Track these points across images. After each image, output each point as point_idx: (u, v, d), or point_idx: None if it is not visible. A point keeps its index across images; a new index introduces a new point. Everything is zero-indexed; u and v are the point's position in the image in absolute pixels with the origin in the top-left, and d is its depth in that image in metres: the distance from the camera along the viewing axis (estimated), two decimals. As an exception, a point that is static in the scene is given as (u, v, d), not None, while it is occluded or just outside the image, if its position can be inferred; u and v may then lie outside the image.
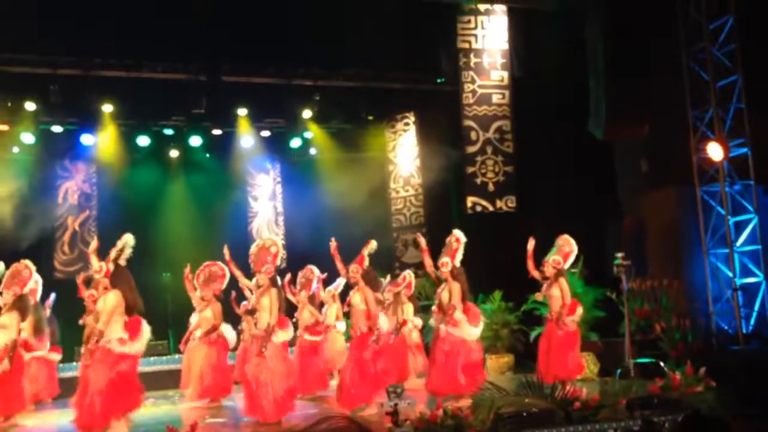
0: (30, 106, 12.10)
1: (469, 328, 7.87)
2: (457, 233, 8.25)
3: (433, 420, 5.54)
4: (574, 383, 7.36)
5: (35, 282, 8.56)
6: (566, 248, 8.69)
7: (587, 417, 5.85)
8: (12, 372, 7.70)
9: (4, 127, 12.50)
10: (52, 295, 10.09)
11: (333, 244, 7.89)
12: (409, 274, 10.46)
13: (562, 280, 8.47)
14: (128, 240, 7.06)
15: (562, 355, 8.28)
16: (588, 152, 11.59)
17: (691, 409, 5.80)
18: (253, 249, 7.60)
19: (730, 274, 10.12)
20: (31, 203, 12.47)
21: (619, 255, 9.12)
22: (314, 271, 10.12)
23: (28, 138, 12.61)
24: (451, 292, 7.89)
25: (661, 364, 8.61)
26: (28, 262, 8.07)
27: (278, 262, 7.53)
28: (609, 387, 6.81)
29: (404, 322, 9.83)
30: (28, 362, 8.30)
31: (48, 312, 9.77)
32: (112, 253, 6.89)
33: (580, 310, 8.58)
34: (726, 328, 10.10)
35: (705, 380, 6.42)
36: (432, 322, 8.34)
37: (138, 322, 6.68)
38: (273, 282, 7.36)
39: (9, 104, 12.07)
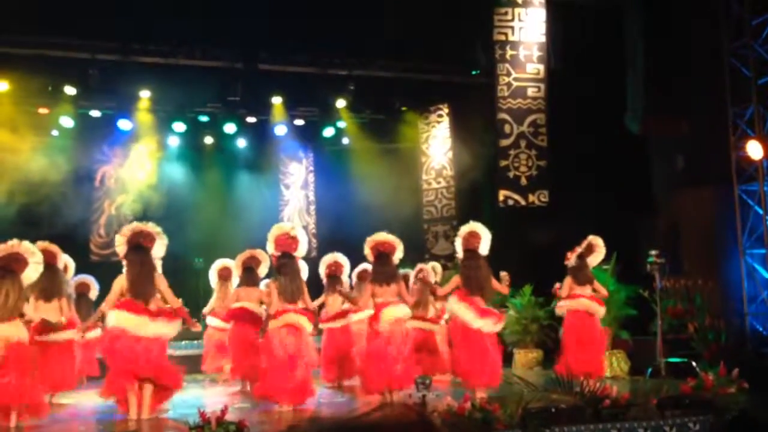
0: (69, 90, 12.31)
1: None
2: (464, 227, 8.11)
3: (461, 413, 5.53)
4: (604, 381, 7.30)
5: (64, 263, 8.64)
6: (584, 245, 8.59)
7: (617, 415, 5.80)
8: (61, 349, 7.96)
9: (44, 111, 12.75)
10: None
11: None
12: (432, 267, 10.39)
13: (567, 278, 8.47)
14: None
15: (585, 351, 8.21)
16: (623, 147, 11.44)
17: (724, 410, 5.75)
18: None
19: (767, 275, 9.95)
20: (69, 186, 12.69)
21: (653, 253, 9.02)
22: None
23: (67, 122, 12.83)
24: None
25: (693, 364, 8.51)
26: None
27: (271, 249, 7.54)
28: (640, 386, 6.74)
29: (441, 313, 9.69)
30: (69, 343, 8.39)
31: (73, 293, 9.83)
32: (132, 237, 6.92)
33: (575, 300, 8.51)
34: (761, 329, 9.94)
35: (738, 382, 6.32)
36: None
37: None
38: (277, 270, 7.43)
39: (49, 88, 12.30)
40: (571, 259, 8.53)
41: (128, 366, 6.49)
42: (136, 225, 6.99)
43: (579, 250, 8.54)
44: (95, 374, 9.74)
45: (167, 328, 6.74)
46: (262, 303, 8.81)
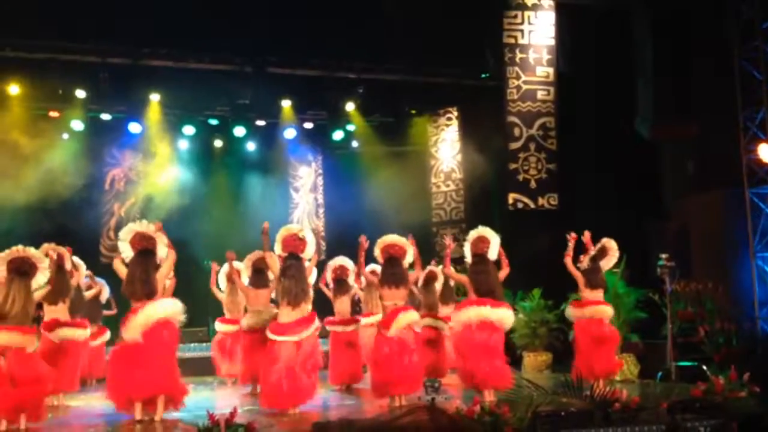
0: (80, 93, 12.38)
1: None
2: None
3: (470, 415, 5.51)
4: (614, 384, 7.27)
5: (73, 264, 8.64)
6: (597, 247, 8.58)
7: (627, 419, 5.78)
8: (67, 349, 7.99)
9: (55, 114, 12.83)
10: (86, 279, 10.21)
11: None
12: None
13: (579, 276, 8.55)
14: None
15: (596, 353, 8.18)
16: (632, 151, 11.42)
17: (735, 414, 5.71)
18: None
19: (778, 279, 9.91)
20: (79, 189, 12.76)
21: (664, 256, 8.99)
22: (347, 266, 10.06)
23: (77, 125, 12.90)
24: None
25: (704, 367, 8.48)
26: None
27: (278, 250, 7.49)
28: (650, 389, 6.71)
29: (447, 318, 9.64)
30: (74, 343, 8.39)
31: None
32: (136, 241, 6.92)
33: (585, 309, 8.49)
34: (772, 333, 9.90)
35: (749, 386, 6.29)
36: None
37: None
38: (282, 272, 7.35)
39: (60, 91, 12.38)
40: (584, 261, 8.51)
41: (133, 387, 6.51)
42: (135, 228, 6.87)
43: (592, 252, 8.52)
44: (103, 375, 9.75)
45: (169, 305, 6.73)
46: (272, 300, 8.82)
